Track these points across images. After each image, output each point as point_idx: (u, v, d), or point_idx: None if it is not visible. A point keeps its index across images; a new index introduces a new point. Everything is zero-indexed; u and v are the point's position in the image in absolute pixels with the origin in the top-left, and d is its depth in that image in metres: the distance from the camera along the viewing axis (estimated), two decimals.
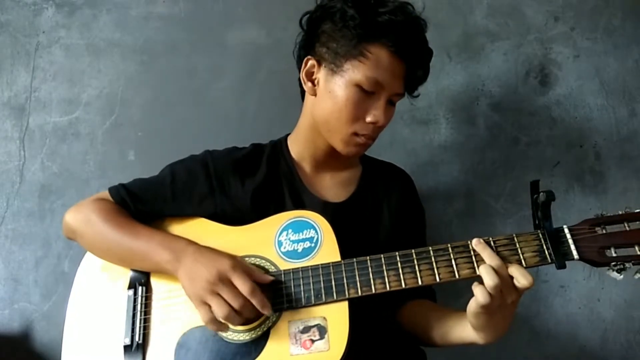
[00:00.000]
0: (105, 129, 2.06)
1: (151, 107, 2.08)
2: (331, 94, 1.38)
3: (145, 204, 1.45)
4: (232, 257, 1.25)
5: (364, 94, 1.36)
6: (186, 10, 2.13)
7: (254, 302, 1.18)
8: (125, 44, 2.12)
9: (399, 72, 1.37)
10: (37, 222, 2.01)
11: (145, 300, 1.36)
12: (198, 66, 2.10)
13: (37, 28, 2.12)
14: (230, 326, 1.26)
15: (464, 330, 1.26)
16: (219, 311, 1.17)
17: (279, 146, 1.59)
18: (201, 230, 1.40)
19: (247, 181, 1.47)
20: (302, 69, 1.47)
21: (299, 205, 1.46)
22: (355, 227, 1.48)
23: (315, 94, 1.45)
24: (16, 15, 2.12)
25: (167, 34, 2.12)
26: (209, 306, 1.19)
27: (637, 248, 1.14)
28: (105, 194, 1.46)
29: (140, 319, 1.33)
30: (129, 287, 1.38)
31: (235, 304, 1.17)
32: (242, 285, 1.19)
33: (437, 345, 1.40)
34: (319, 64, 1.43)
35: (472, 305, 1.16)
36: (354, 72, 1.34)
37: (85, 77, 2.10)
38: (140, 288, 1.37)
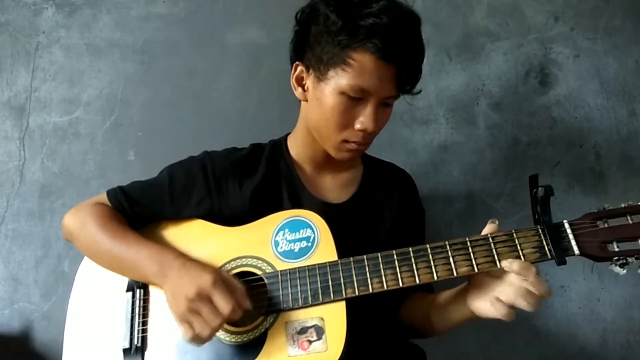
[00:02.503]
0: (105, 129, 2.07)
1: (151, 107, 2.08)
2: (319, 101, 1.34)
3: (143, 207, 1.44)
4: (215, 273, 1.21)
5: (351, 101, 1.30)
6: (186, 10, 2.13)
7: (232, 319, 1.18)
8: (125, 44, 2.12)
9: (388, 75, 1.29)
10: (37, 222, 2.01)
11: (144, 303, 1.35)
12: (198, 66, 2.10)
13: (37, 28, 2.13)
14: (228, 328, 1.26)
15: (463, 311, 1.28)
16: (200, 330, 1.15)
17: (279, 146, 1.58)
18: (198, 231, 1.40)
19: (246, 182, 1.46)
20: (292, 75, 1.43)
21: (297, 206, 1.44)
22: (357, 228, 1.47)
23: (306, 99, 1.42)
24: (16, 15, 2.13)
25: (167, 34, 2.12)
26: (190, 324, 1.17)
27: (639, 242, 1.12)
28: (104, 196, 1.45)
29: (139, 322, 1.33)
30: (127, 290, 1.38)
31: (214, 323, 1.15)
32: (222, 304, 1.16)
33: (441, 332, 1.41)
34: (307, 70, 1.38)
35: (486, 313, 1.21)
36: (339, 80, 1.28)
37: (85, 77, 2.10)
38: (138, 291, 1.36)
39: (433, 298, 1.43)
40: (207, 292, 1.17)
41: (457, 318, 1.32)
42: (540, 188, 1.19)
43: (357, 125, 1.32)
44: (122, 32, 2.13)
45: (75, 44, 2.12)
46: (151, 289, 1.37)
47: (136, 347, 1.30)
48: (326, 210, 1.40)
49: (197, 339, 1.17)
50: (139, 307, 1.35)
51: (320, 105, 1.34)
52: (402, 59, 1.28)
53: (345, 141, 1.36)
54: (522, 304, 1.15)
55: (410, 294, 1.49)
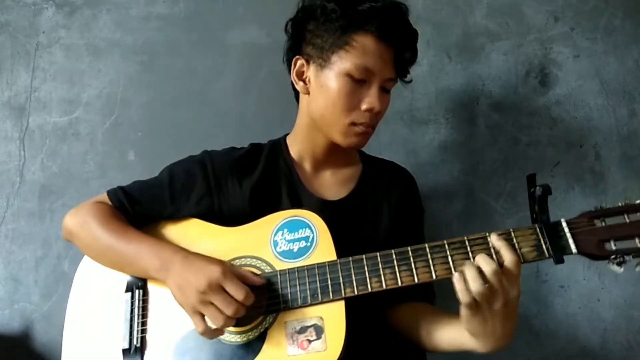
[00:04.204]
0: (105, 129, 2.07)
1: (151, 107, 2.08)
2: (323, 88, 1.39)
3: (143, 206, 1.45)
4: (222, 263, 1.24)
5: (356, 83, 1.36)
6: (186, 10, 2.13)
7: (247, 306, 1.19)
8: (125, 44, 2.12)
9: (387, 56, 1.37)
10: (37, 222, 2.01)
11: (143, 303, 1.36)
12: (198, 66, 2.10)
13: (37, 28, 2.12)
14: (228, 328, 1.26)
15: (460, 335, 1.23)
16: (214, 320, 1.17)
17: (278, 145, 1.59)
18: (197, 231, 1.40)
19: (245, 181, 1.47)
20: (292, 70, 1.48)
21: (296, 204, 1.46)
22: (354, 225, 1.48)
23: (308, 92, 1.46)
24: (16, 15, 2.13)
25: (167, 34, 2.12)
26: (202, 315, 1.19)
27: (637, 240, 1.12)
28: (104, 196, 1.46)
29: (138, 323, 1.34)
30: (127, 290, 1.38)
31: (229, 311, 1.16)
32: (236, 291, 1.18)
33: (428, 350, 1.38)
34: (308, 62, 1.44)
35: (461, 310, 1.16)
36: (343, 63, 1.35)
37: (85, 77, 2.10)
38: (137, 291, 1.37)
39: (436, 312, 1.42)
40: (218, 281, 1.18)
41: (455, 340, 1.28)
42: (537, 187, 1.19)
43: (364, 106, 1.38)
44: (122, 32, 2.12)
45: (75, 44, 2.12)
46: (150, 289, 1.37)
47: (135, 347, 1.31)
48: (324, 208, 1.42)
49: (210, 331, 1.19)
50: (138, 307, 1.35)
51: (326, 91, 1.39)
52: (399, 40, 1.38)
53: (353, 124, 1.40)
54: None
55: (409, 300, 1.46)
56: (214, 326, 1.18)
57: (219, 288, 1.18)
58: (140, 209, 1.44)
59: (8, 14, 2.13)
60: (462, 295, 1.12)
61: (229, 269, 1.22)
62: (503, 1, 2.10)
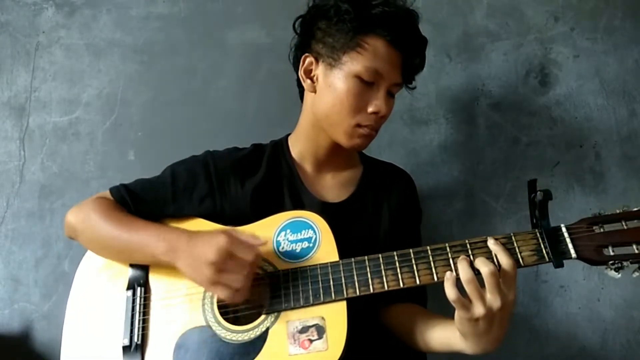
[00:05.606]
0: (105, 129, 2.07)
1: (151, 107, 2.08)
2: (331, 87, 1.39)
3: (145, 204, 1.44)
4: (224, 231, 1.24)
5: (364, 85, 1.37)
6: (186, 10, 2.13)
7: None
8: (125, 44, 2.12)
9: (397, 61, 1.38)
10: (37, 222, 2.01)
11: (144, 300, 1.35)
12: (198, 66, 2.11)
13: (37, 28, 2.13)
14: (230, 326, 1.26)
15: (451, 336, 1.24)
16: (234, 285, 1.18)
17: (280, 146, 1.59)
18: (199, 230, 1.39)
19: (247, 181, 1.47)
20: (300, 67, 1.47)
21: (298, 205, 1.46)
22: (355, 227, 1.48)
23: (314, 91, 1.45)
24: (16, 15, 2.13)
25: (167, 34, 2.12)
26: (222, 284, 1.20)
27: (634, 246, 1.13)
28: (106, 193, 1.46)
29: (139, 320, 1.33)
30: (128, 288, 1.37)
31: (245, 272, 1.19)
32: (245, 252, 1.20)
33: (418, 349, 1.38)
34: (317, 61, 1.44)
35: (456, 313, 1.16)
36: (353, 64, 1.36)
37: (85, 77, 2.10)
38: (139, 289, 1.36)
39: (429, 313, 1.44)
40: (226, 248, 1.19)
41: (446, 340, 1.28)
42: (538, 192, 1.21)
43: (371, 108, 1.38)
44: (122, 32, 2.13)
45: (75, 44, 2.12)
46: (152, 285, 1.37)
47: (136, 344, 1.30)
48: (324, 210, 1.42)
49: (236, 295, 1.20)
50: (140, 304, 1.34)
51: (333, 90, 1.39)
52: (408, 46, 1.40)
53: (358, 125, 1.40)
54: None
55: (402, 301, 1.47)
56: (237, 287, 1.19)
57: (229, 254, 1.19)
58: (142, 207, 1.44)
59: (8, 14, 2.13)
60: (449, 292, 1.13)
61: (234, 234, 1.23)
62: (503, 1, 2.10)
